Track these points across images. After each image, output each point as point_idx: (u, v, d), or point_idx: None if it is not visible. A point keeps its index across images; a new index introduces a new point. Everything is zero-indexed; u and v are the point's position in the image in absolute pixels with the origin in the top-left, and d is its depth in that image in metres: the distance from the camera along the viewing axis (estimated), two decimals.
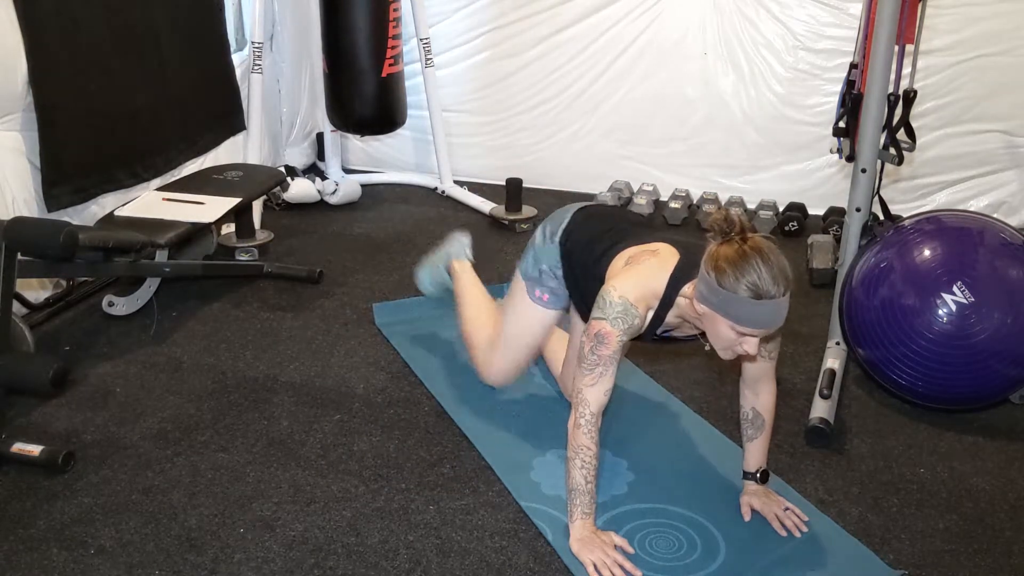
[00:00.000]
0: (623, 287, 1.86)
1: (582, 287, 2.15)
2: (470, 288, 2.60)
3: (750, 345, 1.75)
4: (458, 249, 2.74)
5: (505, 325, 2.37)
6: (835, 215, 3.75)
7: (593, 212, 2.27)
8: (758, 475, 2.06)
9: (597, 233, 2.14)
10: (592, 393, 1.86)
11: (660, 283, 1.87)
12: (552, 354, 2.56)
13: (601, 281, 1.98)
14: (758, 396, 2.03)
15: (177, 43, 3.43)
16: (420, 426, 2.40)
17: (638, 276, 1.89)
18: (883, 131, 2.55)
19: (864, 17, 2.62)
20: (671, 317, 1.92)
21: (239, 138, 3.94)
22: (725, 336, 1.75)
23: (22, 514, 2.02)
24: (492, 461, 2.23)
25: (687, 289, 1.84)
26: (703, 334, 1.90)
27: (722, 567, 1.89)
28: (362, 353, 2.79)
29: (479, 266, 3.14)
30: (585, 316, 2.21)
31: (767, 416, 2.04)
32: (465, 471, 2.21)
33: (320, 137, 4.42)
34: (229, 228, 3.59)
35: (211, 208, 3.05)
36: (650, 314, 1.90)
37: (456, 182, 4.31)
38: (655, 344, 2.11)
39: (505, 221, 3.90)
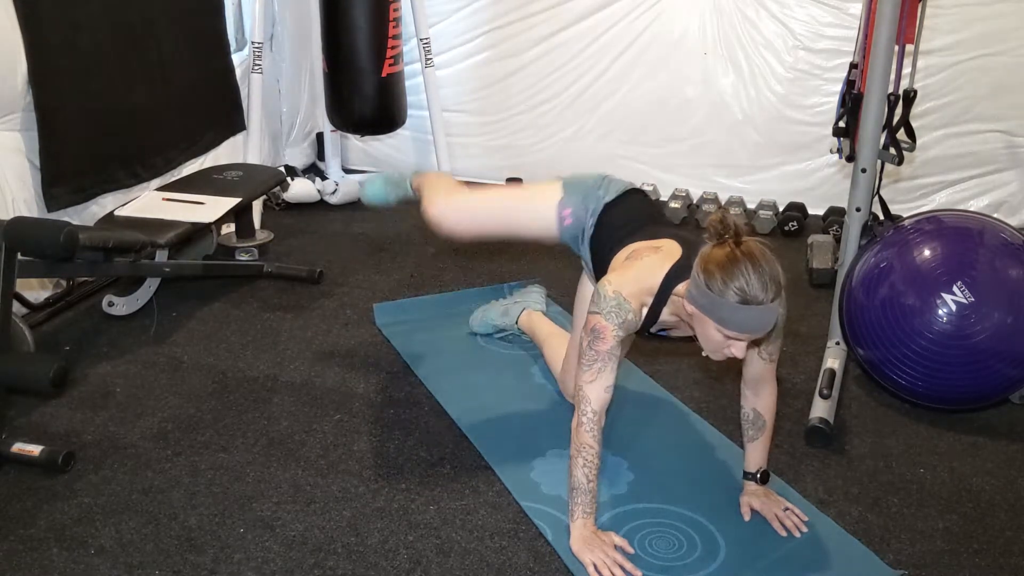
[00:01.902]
0: (618, 282, 1.87)
1: (597, 261, 2.13)
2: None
3: (737, 348, 1.75)
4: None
5: (507, 190, 2.29)
6: (835, 215, 3.75)
7: (634, 201, 2.17)
8: (758, 475, 2.06)
9: (621, 221, 2.11)
10: (592, 390, 1.86)
11: (655, 280, 1.88)
12: (552, 353, 2.55)
13: (606, 269, 2.00)
14: (759, 397, 2.03)
15: (177, 43, 3.43)
16: (420, 426, 2.40)
17: (634, 271, 1.90)
18: (883, 131, 2.55)
19: (864, 17, 2.62)
20: (667, 315, 1.92)
21: (239, 138, 3.94)
22: (713, 338, 1.76)
23: (22, 514, 2.02)
24: (492, 461, 2.23)
25: (680, 288, 1.85)
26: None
27: (722, 567, 1.89)
28: (362, 353, 2.79)
29: (480, 268, 3.14)
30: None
31: (768, 417, 2.04)
32: (465, 471, 2.21)
33: (320, 137, 4.42)
34: (229, 228, 3.59)
35: (211, 208, 3.05)
36: (644, 310, 1.90)
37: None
38: (654, 341, 2.11)
39: None
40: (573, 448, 1.89)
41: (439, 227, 2.28)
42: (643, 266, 1.91)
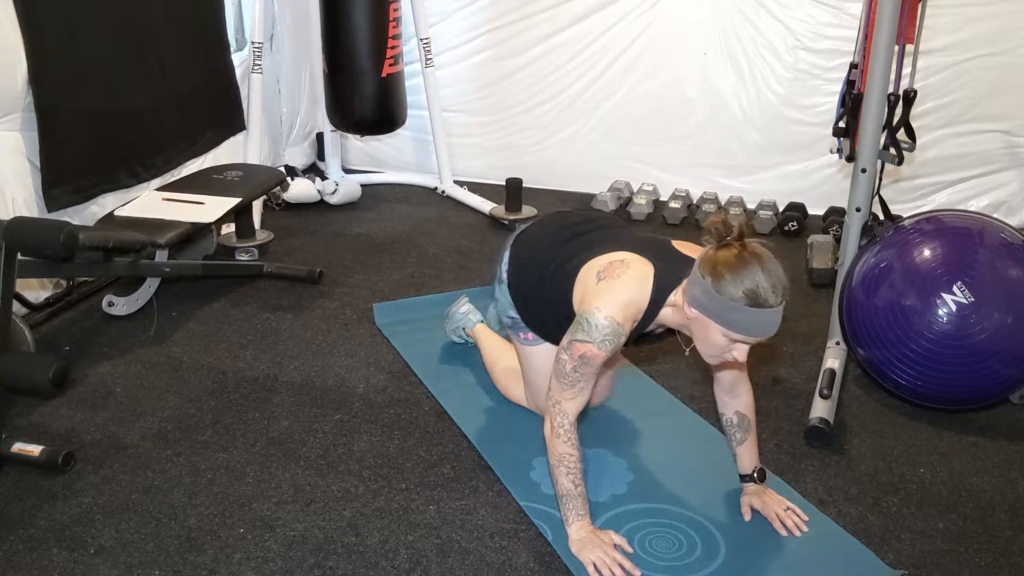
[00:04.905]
0: (609, 307, 1.80)
1: (542, 312, 2.10)
2: (493, 351, 2.57)
3: (740, 352, 1.73)
4: (463, 321, 2.72)
5: (525, 375, 2.36)
6: (835, 215, 3.76)
7: (527, 236, 2.20)
8: (755, 475, 2.06)
9: (545, 257, 2.07)
10: (573, 405, 1.86)
11: (644, 297, 1.83)
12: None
13: (567, 298, 1.93)
14: (739, 398, 2.02)
15: (177, 43, 3.43)
16: (420, 426, 2.40)
17: (622, 294, 1.82)
18: (883, 131, 2.55)
19: (864, 17, 2.63)
20: (651, 325, 1.91)
21: (239, 138, 3.94)
22: (716, 343, 1.73)
23: (22, 514, 2.02)
24: (492, 461, 2.23)
25: (673, 297, 1.83)
26: (677, 334, 1.88)
27: (722, 567, 1.89)
28: (362, 353, 2.79)
29: (480, 268, 3.14)
30: (550, 339, 2.17)
31: (751, 415, 2.04)
32: (465, 471, 2.21)
33: (320, 137, 4.42)
34: (229, 228, 3.60)
35: (211, 208, 3.05)
36: (632, 326, 1.87)
37: (456, 182, 4.31)
38: (647, 342, 2.11)
39: (505, 221, 3.89)
40: (553, 458, 1.88)
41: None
42: (627, 286, 1.83)
